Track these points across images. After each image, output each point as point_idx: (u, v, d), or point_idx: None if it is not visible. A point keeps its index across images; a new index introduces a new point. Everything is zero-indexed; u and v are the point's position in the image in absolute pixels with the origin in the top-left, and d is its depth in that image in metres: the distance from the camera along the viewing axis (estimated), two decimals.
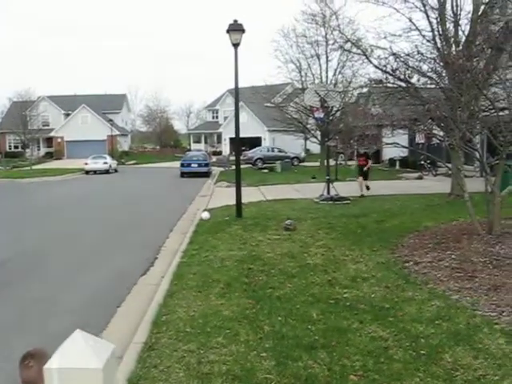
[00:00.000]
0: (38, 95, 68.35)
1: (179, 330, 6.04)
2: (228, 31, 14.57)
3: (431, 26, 17.65)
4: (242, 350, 5.40)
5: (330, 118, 29.13)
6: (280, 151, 48.53)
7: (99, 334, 6.58)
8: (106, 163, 43.96)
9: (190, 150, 65.81)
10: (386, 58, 14.78)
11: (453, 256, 8.98)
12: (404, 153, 34.73)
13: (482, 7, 17.11)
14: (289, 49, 39.61)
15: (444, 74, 13.47)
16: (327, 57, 37.66)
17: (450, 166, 15.69)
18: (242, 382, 4.75)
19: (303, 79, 39.58)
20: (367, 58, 18.96)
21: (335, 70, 37.90)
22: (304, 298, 7.12)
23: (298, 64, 39.30)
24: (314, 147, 49.36)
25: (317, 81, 37.47)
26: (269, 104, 44.87)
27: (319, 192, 19.19)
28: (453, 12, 17.32)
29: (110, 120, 64.17)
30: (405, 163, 36.48)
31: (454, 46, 16.73)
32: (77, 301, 8.11)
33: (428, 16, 17.71)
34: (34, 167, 48.15)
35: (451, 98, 11.06)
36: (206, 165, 38.48)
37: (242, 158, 39.71)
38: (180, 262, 9.74)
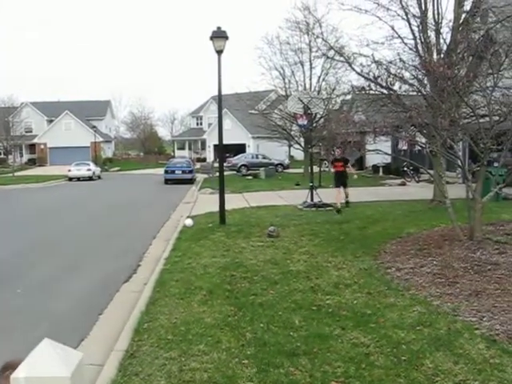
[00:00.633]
0: (21, 101, 67.98)
1: (161, 338, 6.01)
2: (211, 38, 14.57)
3: (413, 33, 17.81)
4: (223, 358, 5.38)
5: (314, 124, 29.26)
6: (264, 158, 48.65)
7: (80, 341, 6.54)
8: (89, 170, 43.72)
9: (174, 156, 65.67)
10: (369, 66, 14.87)
11: (434, 262, 9.04)
12: (387, 159, 34.94)
13: (464, 16, 17.32)
14: (273, 56, 40.05)
15: (426, 82, 13.62)
16: (311, 64, 37.96)
17: (432, 172, 15.81)
18: None
19: (287, 86, 39.79)
20: (350, 65, 19.05)
21: (319, 77, 38.20)
22: (286, 304, 7.11)
23: (281, 71, 39.57)
24: (298, 154, 49.53)
25: (300, 88, 37.66)
26: (253, 111, 45.03)
27: (303, 199, 19.22)
28: (434, 20, 17.49)
29: (94, 126, 63.91)
30: (388, 170, 36.70)
31: (435, 53, 16.89)
32: (58, 308, 8.03)
33: (410, 24, 17.88)
34: (17, 174, 47.76)
35: (433, 105, 11.15)
36: (190, 171, 38.42)
37: (226, 164, 39.84)
38: (163, 269, 9.68)
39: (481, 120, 10.58)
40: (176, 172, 37.85)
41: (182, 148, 78.34)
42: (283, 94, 40.52)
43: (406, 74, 13.95)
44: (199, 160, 62.79)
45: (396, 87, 14.13)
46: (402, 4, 17.68)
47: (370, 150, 15.93)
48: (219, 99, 15.69)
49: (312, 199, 18.79)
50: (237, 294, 7.68)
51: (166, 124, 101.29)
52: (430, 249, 10.07)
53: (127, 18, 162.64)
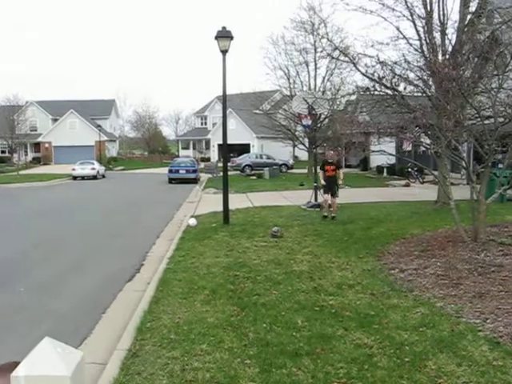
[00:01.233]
0: (26, 100, 68.06)
1: (163, 337, 6.01)
2: (216, 38, 14.58)
3: (418, 34, 17.77)
4: (225, 357, 5.38)
5: (318, 125, 29.23)
6: (268, 158, 48.62)
7: (83, 340, 6.55)
8: (93, 169, 43.75)
9: (178, 156, 65.70)
10: (374, 66, 14.90)
11: (438, 263, 9.02)
12: (391, 160, 34.90)
13: (469, 16, 17.28)
14: (277, 56, 39.92)
15: (430, 83, 13.60)
16: (316, 64, 37.89)
17: (436, 173, 15.77)
18: None
19: (291, 86, 39.77)
20: (355, 65, 19.02)
21: (323, 78, 38.15)
22: (289, 304, 7.11)
23: (286, 71, 39.55)
24: (303, 154, 49.57)
25: (305, 88, 37.62)
26: (257, 111, 45.02)
27: (307, 199, 19.22)
28: (440, 21, 17.45)
29: (99, 125, 63.97)
30: (392, 170, 36.67)
31: (440, 54, 16.84)
32: (62, 307, 8.03)
33: (415, 25, 17.84)
34: (22, 172, 47.88)
35: (437, 106, 11.14)
36: (194, 171, 38.42)
37: (230, 164, 39.91)
38: (166, 268, 9.69)
39: (486, 121, 10.56)
40: (180, 171, 37.85)
41: (186, 147, 78.35)
42: (288, 94, 40.52)
43: (411, 75, 13.97)
44: (203, 160, 62.79)
45: (401, 88, 14.14)
46: (408, 5, 17.66)
47: (374, 151, 15.90)
48: (224, 99, 15.70)
49: (316, 199, 18.78)
50: (240, 294, 7.67)
51: (170, 123, 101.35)
52: (433, 250, 10.05)
53: (132, 17, 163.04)
